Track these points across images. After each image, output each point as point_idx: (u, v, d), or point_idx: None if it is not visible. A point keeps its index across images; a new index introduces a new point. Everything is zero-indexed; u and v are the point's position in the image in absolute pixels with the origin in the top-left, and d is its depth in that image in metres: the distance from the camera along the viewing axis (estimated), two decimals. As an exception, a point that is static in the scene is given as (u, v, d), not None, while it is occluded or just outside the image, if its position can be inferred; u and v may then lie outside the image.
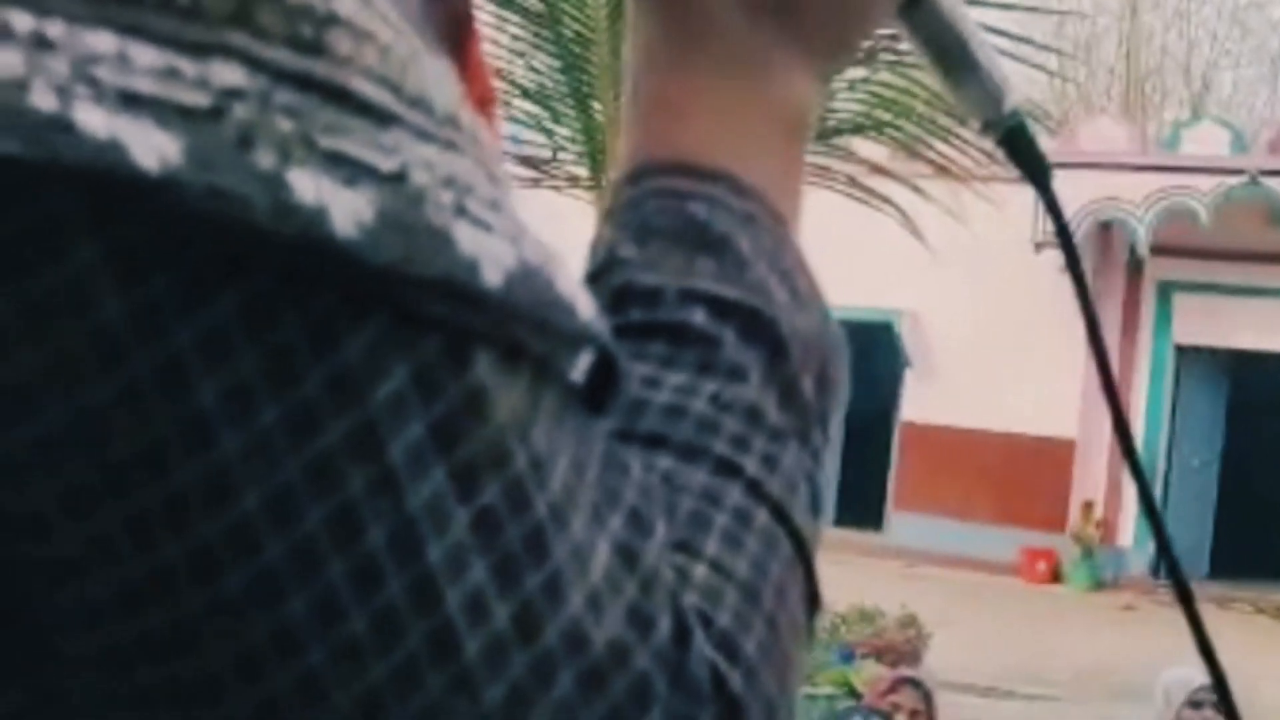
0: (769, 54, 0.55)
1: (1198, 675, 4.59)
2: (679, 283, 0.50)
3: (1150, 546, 14.97)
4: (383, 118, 0.38)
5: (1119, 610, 12.93)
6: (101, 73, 0.35)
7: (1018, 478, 14.72)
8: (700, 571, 0.44)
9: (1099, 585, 14.37)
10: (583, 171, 5.66)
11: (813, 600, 0.49)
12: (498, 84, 5.52)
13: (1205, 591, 14.24)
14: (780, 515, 0.47)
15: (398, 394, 0.37)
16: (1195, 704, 4.31)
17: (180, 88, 0.36)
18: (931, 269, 11.49)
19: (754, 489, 0.47)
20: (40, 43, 0.35)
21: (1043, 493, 14.83)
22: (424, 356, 0.38)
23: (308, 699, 0.38)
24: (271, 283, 0.36)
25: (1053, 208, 0.67)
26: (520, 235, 0.40)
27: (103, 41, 0.35)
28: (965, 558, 14.53)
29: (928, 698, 4.31)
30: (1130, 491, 15.05)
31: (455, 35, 0.50)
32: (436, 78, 0.40)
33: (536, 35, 5.61)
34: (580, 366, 0.42)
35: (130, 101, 0.35)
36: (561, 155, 5.81)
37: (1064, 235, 0.68)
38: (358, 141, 0.37)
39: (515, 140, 5.90)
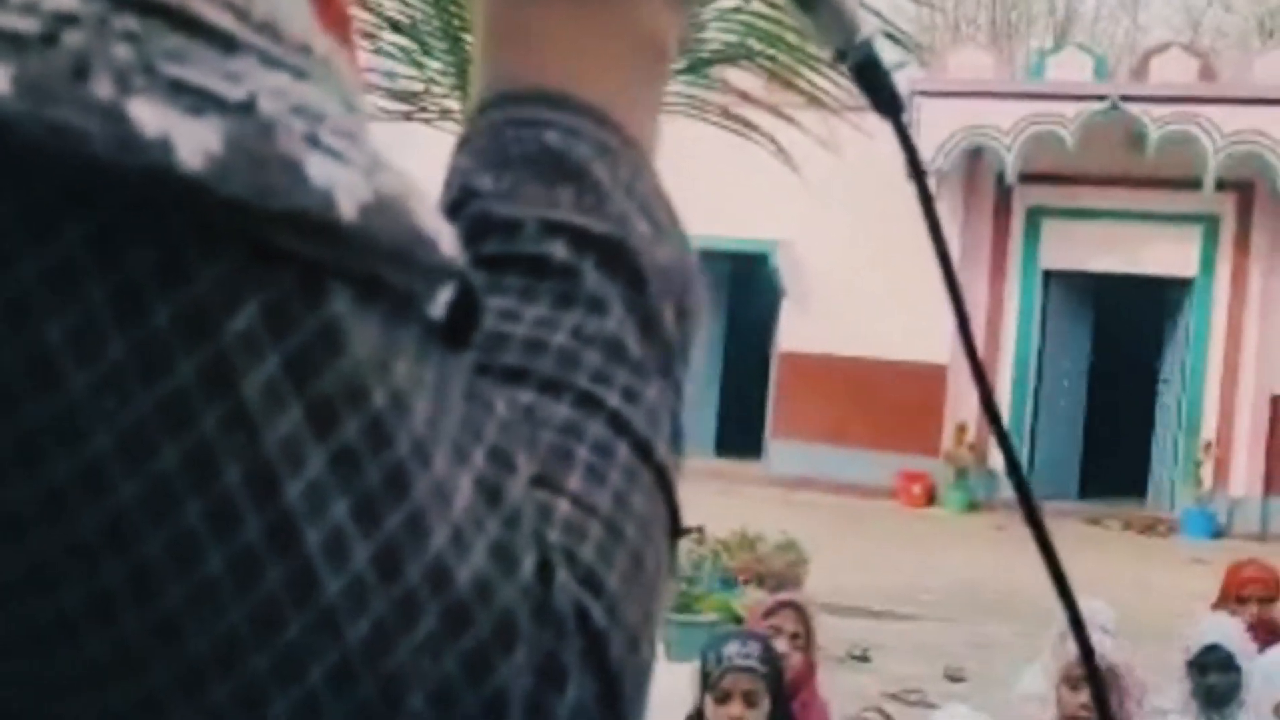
0: None
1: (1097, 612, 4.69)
2: (537, 213, 0.49)
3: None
4: (229, 44, 0.37)
5: (992, 530, 13.24)
6: None
7: (893, 403, 14.96)
8: (563, 507, 0.44)
9: (972, 507, 14.69)
10: (454, 105, 5.60)
11: (675, 532, 0.49)
12: (368, 17, 5.38)
13: (1076, 509, 14.63)
14: (642, 448, 0.47)
15: (250, 329, 0.36)
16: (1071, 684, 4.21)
17: (7, 14, 0.34)
18: (806, 199, 11.57)
19: (616, 422, 0.46)
20: None
21: (917, 417, 15.10)
22: (277, 290, 0.37)
23: (164, 641, 0.37)
24: (118, 216, 0.35)
25: (904, 139, 0.67)
26: (376, 166, 0.39)
27: None
28: (843, 483, 14.75)
29: (807, 620, 4.38)
30: (1000, 414, 15.34)
31: None
32: (287, 3, 0.39)
33: (405, -33, 5.52)
34: (440, 300, 0.41)
35: None
36: (433, 89, 5.74)
37: (915, 165, 0.68)
38: (203, 69, 0.36)
39: (387, 75, 5.82)
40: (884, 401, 14.83)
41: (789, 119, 5.95)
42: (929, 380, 15.10)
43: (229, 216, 0.36)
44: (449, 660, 0.39)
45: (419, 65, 5.71)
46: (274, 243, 0.36)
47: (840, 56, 0.65)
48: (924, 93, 13.92)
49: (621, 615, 0.44)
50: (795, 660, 4.23)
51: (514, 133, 0.51)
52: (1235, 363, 14.80)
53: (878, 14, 5.63)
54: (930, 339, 14.90)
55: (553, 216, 0.49)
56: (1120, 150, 14.45)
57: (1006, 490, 16.50)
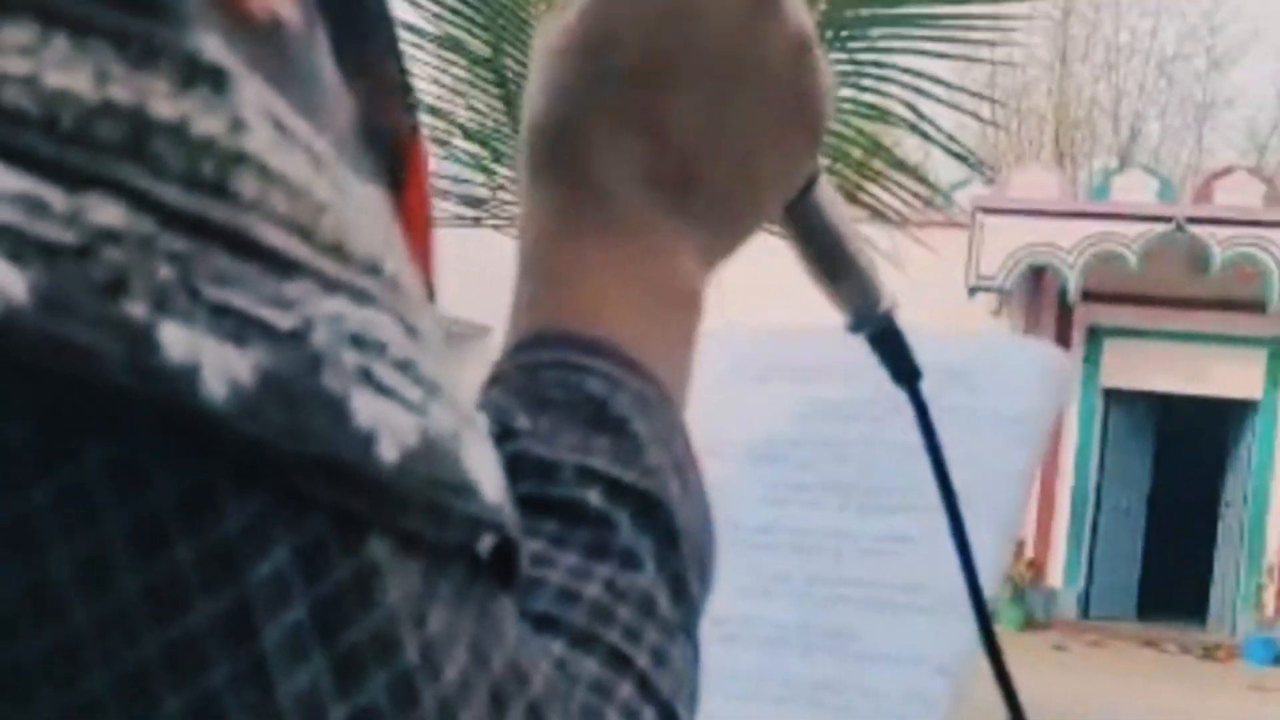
0: (666, 234, 0.55)
1: None
2: (575, 459, 0.48)
3: (1079, 587, 15.12)
4: (286, 267, 0.33)
5: (1049, 650, 13.05)
6: None
7: (950, 518, 14.84)
8: None
9: (1029, 625, 14.50)
10: (523, 211, 5.69)
11: None
12: (440, 124, 5.42)
13: (1134, 631, 14.40)
14: (666, 714, 0.45)
15: (279, 572, 0.33)
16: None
17: (44, 222, 0.31)
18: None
19: (644, 685, 0.45)
20: None
21: (974, 533, 14.95)
22: (312, 534, 0.34)
23: None
24: (143, 441, 0.32)
25: (919, 406, 0.67)
26: (431, 399, 0.36)
27: None
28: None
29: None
30: (1059, 532, 15.21)
31: (396, 153, 0.47)
32: (361, 217, 0.36)
33: (477, 76, 5.66)
34: (484, 543, 0.38)
35: None
36: (501, 194, 5.85)
37: (923, 421, 0.69)
38: (252, 294, 0.33)
39: (456, 180, 5.94)
40: (941, 516, 14.71)
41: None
42: (987, 496, 14.97)
43: (250, 457, 0.33)
44: None
45: (489, 172, 5.82)
46: (303, 488, 0.34)
47: (859, 324, 0.66)
48: (987, 210, 13.97)
49: None
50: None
51: (554, 375, 0.51)
52: (1299, 487, 14.61)
53: (944, 132, 5.70)
54: (989, 455, 14.81)
55: (590, 464, 0.48)
56: (1183, 271, 14.42)
57: (1065, 609, 16.25)
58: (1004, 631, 13.87)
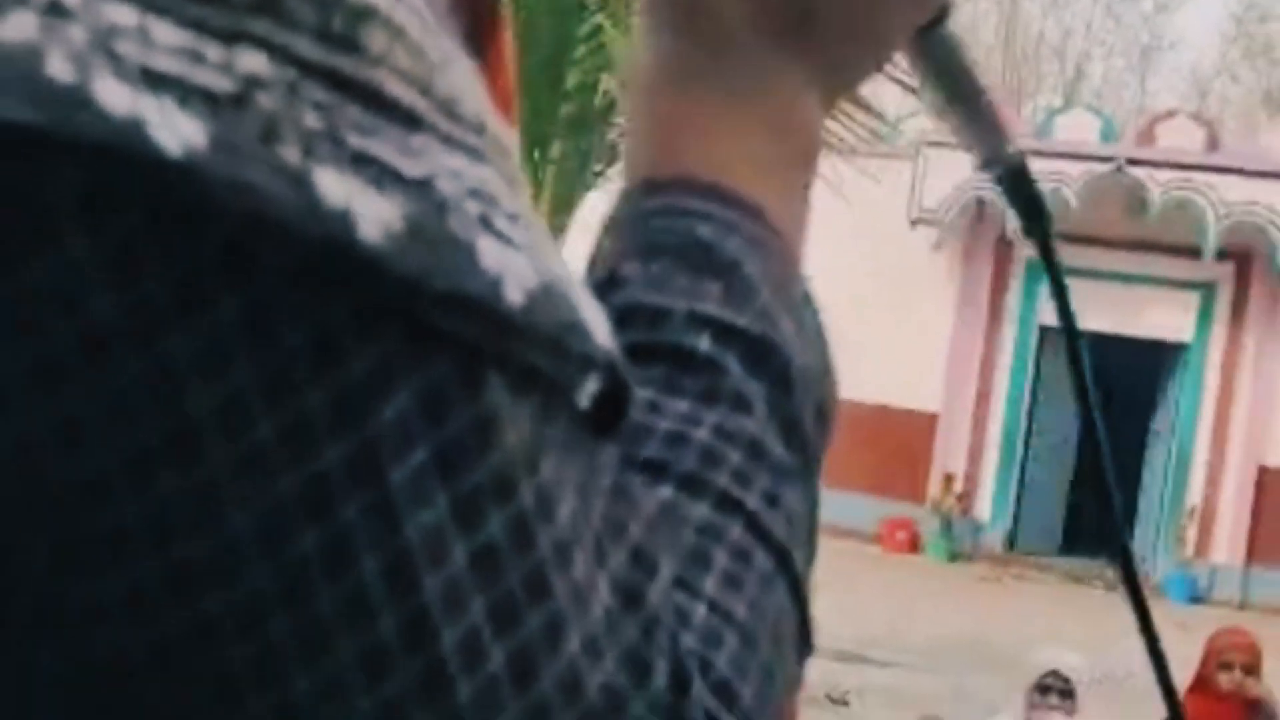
0: (784, 75, 0.53)
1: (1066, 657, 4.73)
2: (684, 305, 0.48)
3: (1006, 521, 15.35)
4: (412, 121, 0.35)
5: (975, 581, 13.26)
6: (122, 46, 0.32)
7: (883, 448, 15.00)
8: (700, 612, 0.42)
9: (956, 556, 14.71)
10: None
11: (805, 647, 0.47)
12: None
13: (1058, 566, 14.66)
14: (780, 556, 0.45)
15: (403, 416, 0.35)
16: (1041, 689, 4.43)
17: (205, 71, 0.33)
18: (810, 242, 11.57)
19: (754, 526, 0.45)
20: (55, 9, 0.32)
21: (905, 464, 15.13)
22: (434, 377, 0.35)
23: None
24: (278, 289, 0.34)
25: (1047, 254, 0.65)
26: (541, 250, 0.38)
27: (122, 14, 0.33)
28: (828, 526, 14.70)
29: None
30: (989, 466, 15.41)
31: (481, 32, 0.48)
32: (465, 80, 0.38)
33: None
34: (589, 389, 0.39)
35: (153, 80, 0.32)
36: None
37: (1060, 295, 0.66)
38: (386, 144, 0.35)
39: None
40: (872, 446, 14.86)
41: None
42: (919, 428, 15.14)
43: (397, 296, 0.35)
44: None
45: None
46: (438, 325, 0.35)
47: (987, 164, 0.64)
48: (932, 144, 14.01)
49: None
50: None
51: (664, 221, 0.50)
52: (1224, 430, 14.85)
53: (895, 64, 5.69)
54: (923, 387, 14.96)
55: (700, 309, 0.48)
56: (1122, 213, 14.54)
57: (991, 541, 16.45)
58: (931, 562, 14.07)
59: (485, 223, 0.36)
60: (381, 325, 0.35)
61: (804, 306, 0.51)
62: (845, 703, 7.94)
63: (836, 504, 15.24)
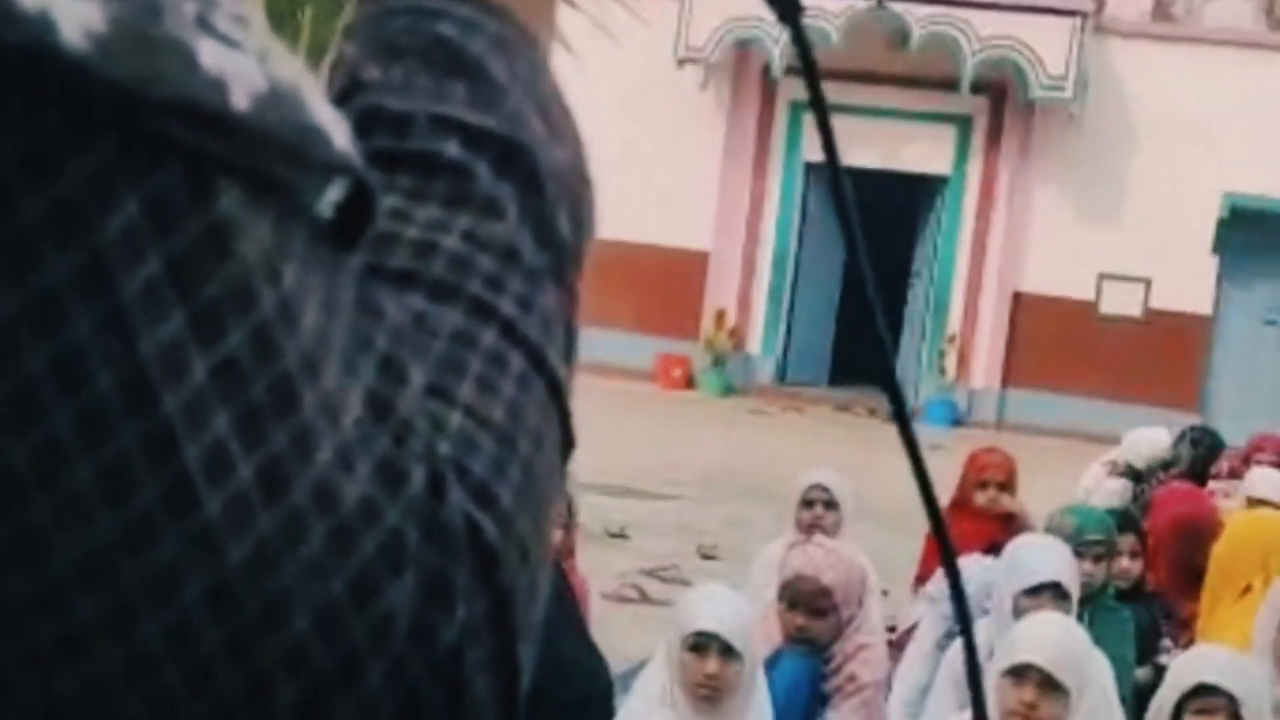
0: None
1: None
2: (429, 109, 0.46)
3: (776, 355, 15.74)
4: None
5: (747, 414, 13.60)
6: None
7: (654, 287, 15.16)
8: (455, 418, 0.42)
9: (729, 391, 15.05)
10: None
11: (567, 445, 0.47)
12: None
13: (826, 397, 15.12)
14: (536, 359, 0.45)
15: (131, 227, 0.33)
16: (806, 503, 4.61)
17: None
18: (577, 83, 11.48)
19: (509, 331, 0.44)
20: None
21: (678, 302, 15.34)
22: (161, 185, 0.34)
23: (29, 554, 0.35)
24: None
25: (802, 46, 0.65)
26: (269, 53, 0.37)
27: None
28: (603, 365, 14.93)
29: (568, 499, 4.47)
30: (759, 302, 15.73)
31: None
32: None
33: None
34: (330, 199, 0.38)
35: None
36: None
37: (825, 131, 0.64)
38: None
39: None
40: (645, 285, 15.01)
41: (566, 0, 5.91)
42: (690, 266, 15.33)
43: (110, 103, 0.33)
44: (335, 583, 0.38)
45: None
46: (160, 133, 0.34)
47: None
48: (695, -19, 13.97)
49: (514, 531, 0.42)
50: (555, 537, 4.32)
51: (406, 21, 0.48)
52: (981, 259, 15.41)
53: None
54: (692, 226, 15.11)
55: (445, 112, 0.46)
56: (883, 49, 14.77)
57: (762, 376, 16.82)
58: (705, 397, 14.37)
59: (204, 24, 0.35)
60: (96, 134, 0.33)
61: (553, 103, 0.50)
62: (625, 536, 8.12)
63: (611, 343, 15.44)
